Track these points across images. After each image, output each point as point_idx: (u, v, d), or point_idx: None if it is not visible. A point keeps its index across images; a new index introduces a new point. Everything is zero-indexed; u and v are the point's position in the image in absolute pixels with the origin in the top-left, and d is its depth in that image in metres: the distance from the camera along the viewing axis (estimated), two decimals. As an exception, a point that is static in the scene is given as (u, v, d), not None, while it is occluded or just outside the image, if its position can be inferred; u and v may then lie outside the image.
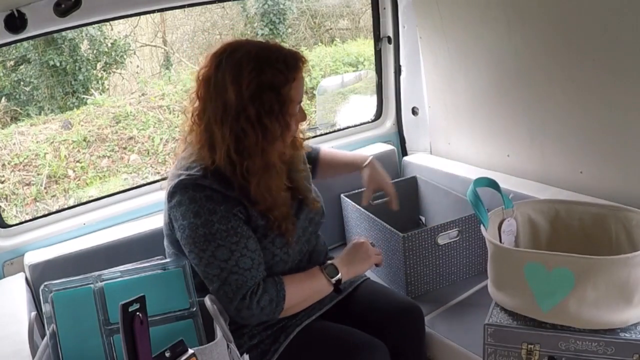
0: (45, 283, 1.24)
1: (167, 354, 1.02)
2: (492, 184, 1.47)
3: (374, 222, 1.88)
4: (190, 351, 1.05)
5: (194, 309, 1.30)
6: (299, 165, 1.56)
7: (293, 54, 1.38)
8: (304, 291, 1.44)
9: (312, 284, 1.46)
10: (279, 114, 1.35)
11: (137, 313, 0.97)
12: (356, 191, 2.06)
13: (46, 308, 1.23)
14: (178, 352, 1.03)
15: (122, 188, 2.52)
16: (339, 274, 1.47)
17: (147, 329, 0.98)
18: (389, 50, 2.35)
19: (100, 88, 5.83)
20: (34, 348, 1.18)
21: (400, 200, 1.83)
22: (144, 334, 0.96)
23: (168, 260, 1.37)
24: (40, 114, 5.39)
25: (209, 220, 1.33)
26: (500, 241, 1.45)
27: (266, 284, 1.37)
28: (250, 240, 1.36)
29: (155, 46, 6.58)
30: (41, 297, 1.23)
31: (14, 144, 4.92)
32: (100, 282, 1.26)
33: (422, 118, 2.35)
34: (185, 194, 1.35)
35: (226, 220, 1.34)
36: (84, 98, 5.59)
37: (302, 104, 1.45)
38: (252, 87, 1.31)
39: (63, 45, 5.48)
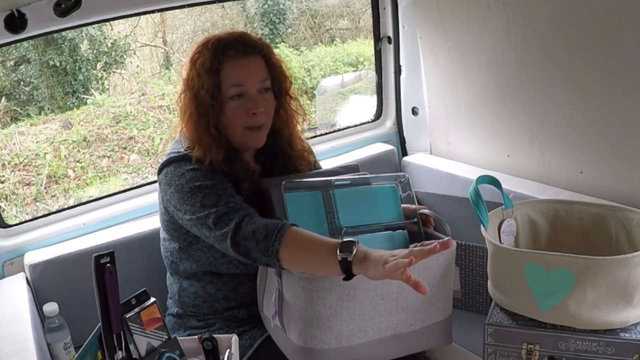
0: (284, 182, 1.36)
1: (133, 302, 1.15)
2: (494, 182, 1.47)
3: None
4: (152, 299, 1.18)
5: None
6: None
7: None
8: (305, 245, 1.21)
9: (318, 243, 1.21)
10: None
11: (108, 265, 1.09)
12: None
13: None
14: (142, 300, 1.16)
15: (122, 188, 2.52)
16: (351, 255, 1.13)
17: (115, 278, 1.10)
18: (389, 50, 2.35)
19: (100, 88, 5.82)
20: None
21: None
22: (113, 283, 1.10)
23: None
24: (40, 114, 5.38)
25: (193, 177, 1.34)
26: (500, 241, 1.45)
27: (266, 220, 1.27)
28: (237, 196, 1.35)
29: (155, 46, 6.57)
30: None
31: (14, 144, 4.91)
32: (331, 189, 1.41)
33: (422, 118, 2.35)
34: (171, 164, 1.38)
35: (211, 177, 1.35)
36: (84, 98, 5.59)
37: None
38: None
39: (63, 45, 5.47)
